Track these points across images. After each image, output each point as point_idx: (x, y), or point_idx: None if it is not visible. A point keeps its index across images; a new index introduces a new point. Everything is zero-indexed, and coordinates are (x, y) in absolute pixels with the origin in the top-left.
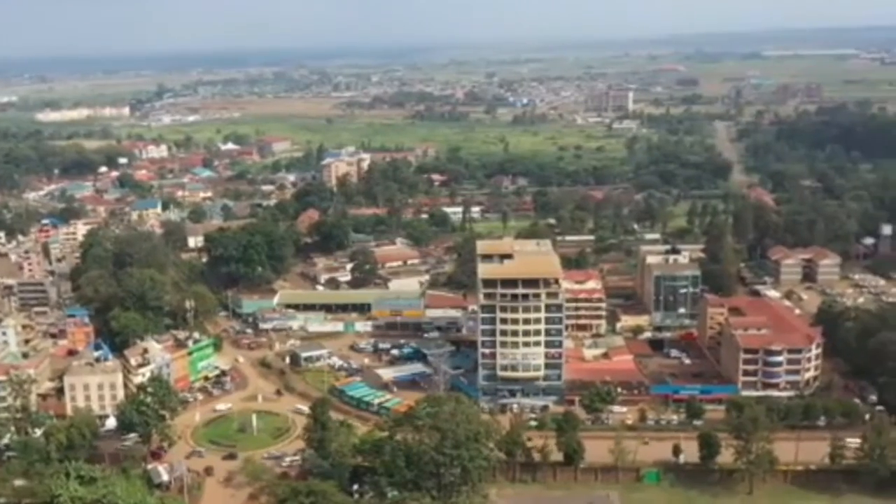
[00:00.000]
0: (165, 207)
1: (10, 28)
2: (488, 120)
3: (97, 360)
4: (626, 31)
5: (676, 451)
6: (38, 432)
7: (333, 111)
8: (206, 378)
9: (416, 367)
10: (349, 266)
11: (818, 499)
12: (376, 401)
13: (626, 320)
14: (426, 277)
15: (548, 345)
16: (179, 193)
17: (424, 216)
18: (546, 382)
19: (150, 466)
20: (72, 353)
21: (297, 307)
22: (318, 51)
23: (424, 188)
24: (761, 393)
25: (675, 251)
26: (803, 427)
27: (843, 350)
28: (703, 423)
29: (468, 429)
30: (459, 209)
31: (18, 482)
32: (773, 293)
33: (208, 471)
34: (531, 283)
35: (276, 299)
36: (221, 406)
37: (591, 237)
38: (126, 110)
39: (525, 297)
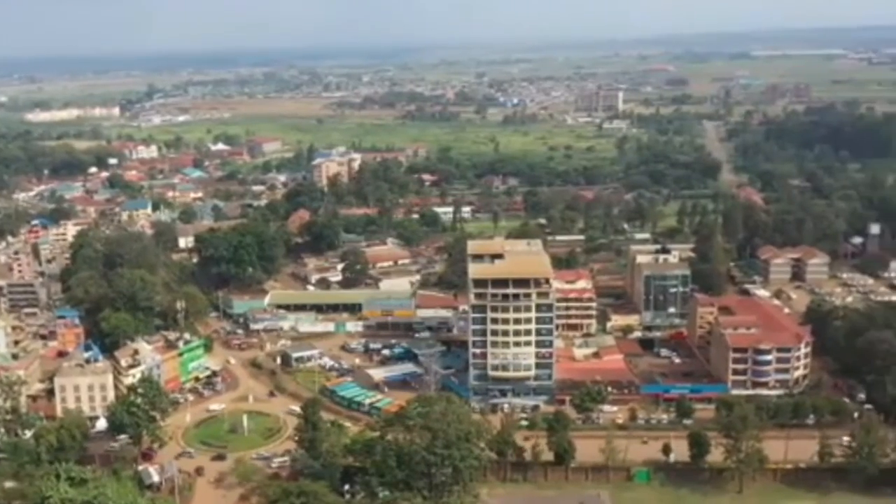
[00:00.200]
0: (156, 208)
1: None
2: (479, 120)
3: (87, 361)
4: (615, 31)
5: (667, 450)
6: (29, 434)
7: (324, 111)
8: (197, 379)
9: (407, 367)
10: (340, 266)
11: (807, 497)
12: (367, 401)
13: (617, 320)
14: (417, 277)
15: (538, 344)
16: (170, 194)
17: (415, 216)
18: (537, 382)
19: (140, 467)
20: (62, 354)
21: (287, 307)
22: (309, 51)
23: (415, 188)
24: (751, 392)
25: (664, 251)
26: (792, 426)
27: (832, 349)
28: (693, 422)
29: (459, 429)
30: (450, 209)
31: (8, 484)
32: (762, 292)
33: (199, 471)
34: (522, 282)
35: (266, 300)
36: (215, 406)
37: (582, 237)
38: (116, 110)
39: (516, 296)
